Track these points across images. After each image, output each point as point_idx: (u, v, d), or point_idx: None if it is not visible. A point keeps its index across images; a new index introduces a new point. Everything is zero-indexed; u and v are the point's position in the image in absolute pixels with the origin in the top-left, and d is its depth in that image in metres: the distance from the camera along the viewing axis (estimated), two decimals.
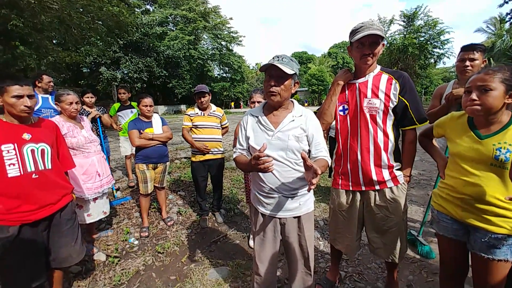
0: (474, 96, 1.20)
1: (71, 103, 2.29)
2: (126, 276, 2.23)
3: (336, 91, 1.71)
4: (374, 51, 1.50)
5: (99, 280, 2.20)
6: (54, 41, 9.93)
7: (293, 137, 1.39)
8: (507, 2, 14.27)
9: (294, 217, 1.49)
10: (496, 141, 1.20)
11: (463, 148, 1.30)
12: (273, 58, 1.36)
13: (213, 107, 3.13)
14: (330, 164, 1.45)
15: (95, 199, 2.47)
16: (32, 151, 1.56)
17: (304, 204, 1.49)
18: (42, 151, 1.61)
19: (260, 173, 1.44)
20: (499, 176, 1.20)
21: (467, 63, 2.01)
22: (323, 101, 1.88)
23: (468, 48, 2.03)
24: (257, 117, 1.49)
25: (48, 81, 3.26)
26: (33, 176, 1.54)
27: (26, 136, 1.55)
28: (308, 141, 1.43)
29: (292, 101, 1.51)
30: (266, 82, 1.39)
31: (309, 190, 1.17)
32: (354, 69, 1.71)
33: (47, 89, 3.27)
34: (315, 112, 1.63)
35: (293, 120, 1.42)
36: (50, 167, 1.64)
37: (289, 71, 1.30)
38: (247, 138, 1.50)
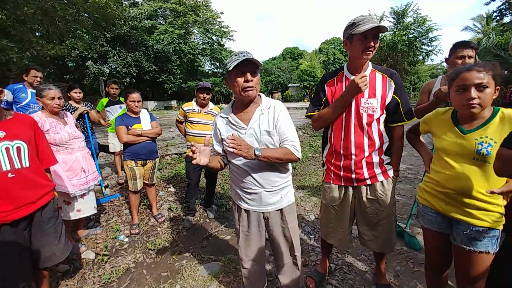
0: (474, 94, 1.19)
1: (53, 98, 2.22)
2: (116, 274, 2.21)
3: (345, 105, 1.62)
4: (375, 44, 1.50)
5: (88, 278, 2.17)
6: (37, 34, 9.54)
7: (265, 132, 1.38)
8: (494, 0, 14.56)
9: (277, 210, 1.51)
10: (478, 136, 1.23)
11: (447, 143, 1.33)
12: (237, 55, 1.31)
13: (210, 105, 3.13)
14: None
15: (83, 195, 2.42)
16: (7, 149, 1.49)
17: (285, 196, 1.51)
18: (18, 148, 1.54)
19: (239, 171, 1.46)
20: (481, 170, 1.23)
21: (467, 60, 1.98)
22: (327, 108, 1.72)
23: (466, 45, 2.00)
24: (226, 117, 1.46)
25: (34, 75, 3.22)
26: (9, 175, 1.48)
27: (0, 133, 1.49)
28: (277, 131, 1.41)
29: (260, 95, 1.47)
30: (238, 78, 1.31)
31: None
32: (348, 63, 1.69)
33: (32, 83, 3.21)
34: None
35: (262, 113, 1.40)
36: (27, 165, 1.57)
37: (259, 63, 1.31)
38: (222, 141, 1.48)
